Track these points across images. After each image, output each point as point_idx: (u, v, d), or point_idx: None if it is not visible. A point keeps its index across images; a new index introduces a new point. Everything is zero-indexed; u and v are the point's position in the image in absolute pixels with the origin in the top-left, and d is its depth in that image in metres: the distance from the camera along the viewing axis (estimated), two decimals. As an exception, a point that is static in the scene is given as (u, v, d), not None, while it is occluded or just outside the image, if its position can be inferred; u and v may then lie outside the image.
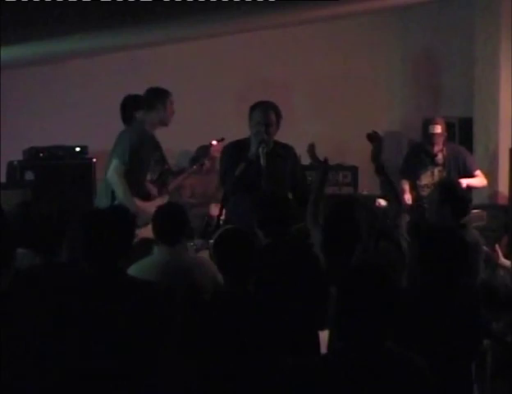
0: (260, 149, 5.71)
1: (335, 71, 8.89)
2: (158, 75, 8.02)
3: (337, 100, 8.88)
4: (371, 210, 4.77)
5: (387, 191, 4.91)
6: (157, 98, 6.51)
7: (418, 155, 7.21)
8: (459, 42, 8.38)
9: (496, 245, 5.41)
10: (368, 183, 7.42)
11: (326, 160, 5.10)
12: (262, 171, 5.68)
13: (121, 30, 5.78)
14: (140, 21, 5.29)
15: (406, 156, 7.43)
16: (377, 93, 9.15)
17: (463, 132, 7.82)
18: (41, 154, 7.10)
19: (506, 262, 5.37)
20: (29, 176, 6.99)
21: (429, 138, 7.04)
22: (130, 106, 6.81)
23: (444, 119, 7.23)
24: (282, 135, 6.12)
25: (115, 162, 6.30)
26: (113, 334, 3.40)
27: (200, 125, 7.01)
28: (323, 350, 4.25)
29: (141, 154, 6.39)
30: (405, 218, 4.84)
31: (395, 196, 4.85)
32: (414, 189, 7.15)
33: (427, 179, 7.12)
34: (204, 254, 5.13)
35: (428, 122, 7.13)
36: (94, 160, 7.20)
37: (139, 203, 6.26)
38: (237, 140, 6.03)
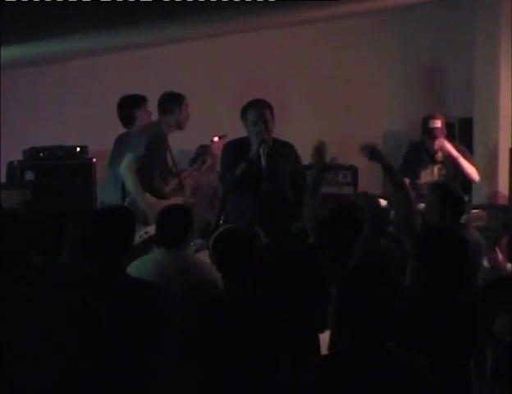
0: (261, 149, 5.71)
1: (335, 71, 8.89)
2: (158, 75, 8.02)
3: (337, 100, 8.88)
4: (377, 206, 4.79)
5: (395, 192, 4.88)
6: (173, 101, 6.55)
7: (418, 153, 7.21)
8: (459, 42, 8.38)
9: (496, 248, 5.41)
10: (367, 183, 7.43)
11: (332, 160, 5.11)
12: (262, 171, 5.68)
13: (121, 30, 5.79)
14: (140, 21, 5.29)
15: (406, 155, 7.42)
16: (377, 93, 9.15)
17: (463, 132, 7.82)
18: (41, 154, 7.10)
19: (506, 263, 5.38)
20: (29, 176, 6.99)
21: (429, 132, 7.04)
22: (128, 106, 6.81)
23: (444, 118, 7.24)
24: (282, 136, 6.12)
25: (129, 157, 6.30)
26: (114, 334, 3.40)
27: (200, 125, 6.99)
28: (323, 350, 4.25)
29: (156, 154, 6.41)
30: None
31: (404, 197, 4.81)
32: (414, 188, 7.15)
33: (426, 177, 7.12)
34: (204, 254, 5.13)
35: (428, 118, 7.13)
36: (94, 160, 7.20)
37: (151, 199, 6.26)
38: (238, 139, 6.02)
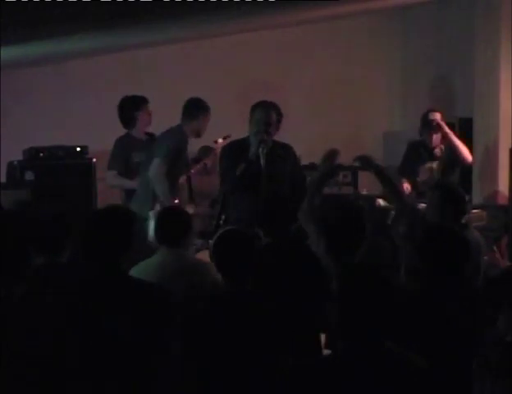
0: (260, 150, 5.71)
1: (335, 72, 8.89)
2: (158, 76, 8.03)
3: (337, 100, 8.88)
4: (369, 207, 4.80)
5: (389, 192, 4.91)
6: (198, 109, 6.61)
7: (417, 150, 7.25)
8: (459, 42, 8.38)
9: (494, 247, 5.41)
10: (367, 183, 7.41)
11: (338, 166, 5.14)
12: (262, 172, 5.68)
13: (121, 30, 5.79)
14: (140, 21, 5.30)
15: (405, 154, 7.44)
16: (377, 94, 9.15)
17: (463, 132, 7.81)
18: (41, 154, 7.10)
19: (506, 263, 5.38)
20: (29, 176, 6.99)
21: (429, 125, 7.09)
22: (129, 107, 6.81)
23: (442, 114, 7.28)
24: (282, 135, 6.12)
25: (157, 162, 6.32)
26: (114, 334, 3.40)
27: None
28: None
29: (179, 158, 6.48)
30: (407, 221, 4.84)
31: (397, 196, 4.85)
32: (413, 188, 7.16)
33: (425, 174, 7.15)
34: (204, 254, 5.13)
35: (427, 111, 7.23)
36: (94, 160, 7.20)
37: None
38: (237, 140, 6.03)
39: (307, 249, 4.64)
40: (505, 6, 7.54)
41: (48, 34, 5.43)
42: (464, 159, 7.17)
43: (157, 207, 6.22)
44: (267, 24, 7.13)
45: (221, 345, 3.66)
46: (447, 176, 7.12)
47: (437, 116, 7.14)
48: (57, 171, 7.09)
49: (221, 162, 6.04)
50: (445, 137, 7.16)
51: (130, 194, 6.73)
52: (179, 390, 3.65)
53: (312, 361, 3.15)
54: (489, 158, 7.82)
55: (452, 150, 7.15)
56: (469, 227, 5.21)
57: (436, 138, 7.13)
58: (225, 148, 6.12)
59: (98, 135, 7.29)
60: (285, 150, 5.95)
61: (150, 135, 6.95)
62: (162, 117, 7.14)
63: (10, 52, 5.65)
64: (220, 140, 6.93)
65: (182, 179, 6.92)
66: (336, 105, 8.85)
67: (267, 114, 5.76)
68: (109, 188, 7.00)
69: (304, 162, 7.85)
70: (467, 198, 6.35)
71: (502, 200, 7.58)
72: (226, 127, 6.96)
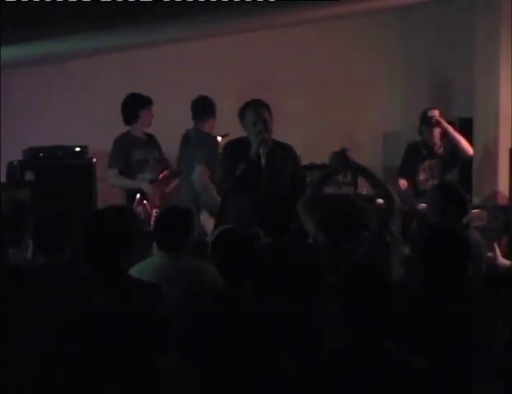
0: (261, 149, 5.70)
1: (335, 71, 8.90)
2: (158, 75, 8.03)
3: (337, 100, 8.88)
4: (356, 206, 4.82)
5: (377, 191, 4.94)
6: (213, 107, 6.84)
7: (417, 150, 7.26)
8: (459, 42, 8.38)
9: (495, 244, 5.41)
10: (367, 183, 7.42)
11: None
12: (262, 171, 5.67)
13: (121, 30, 5.79)
14: (140, 21, 5.30)
15: (404, 155, 7.46)
16: (376, 93, 9.15)
17: (463, 132, 7.82)
18: (41, 154, 7.10)
19: (505, 262, 5.37)
20: (29, 176, 6.99)
21: (428, 122, 7.10)
22: (133, 104, 6.81)
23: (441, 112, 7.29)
24: (282, 135, 6.12)
25: (199, 169, 6.54)
26: (113, 334, 3.40)
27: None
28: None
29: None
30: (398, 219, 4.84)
31: (386, 194, 4.88)
32: (413, 187, 7.17)
33: (424, 173, 7.16)
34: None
35: (426, 109, 7.24)
36: (94, 160, 7.20)
37: None
38: (237, 139, 6.02)
39: (307, 249, 4.64)
40: (505, 6, 7.54)
41: (48, 34, 5.44)
42: (465, 152, 7.19)
43: (204, 213, 6.37)
44: (267, 24, 7.14)
45: (220, 346, 3.66)
46: (447, 174, 7.13)
47: (436, 112, 7.16)
48: (57, 171, 7.09)
49: (222, 161, 6.04)
50: (444, 133, 7.17)
51: (130, 193, 6.72)
52: (179, 390, 3.66)
53: (312, 361, 3.15)
54: (489, 158, 7.82)
55: (452, 145, 7.16)
56: (470, 227, 5.22)
57: (436, 134, 7.15)
58: (226, 147, 6.12)
59: (98, 135, 7.29)
60: (286, 150, 5.94)
61: (149, 136, 6.95)
62: (162, 117, 7.15)
63: (10, 52, 5.65)
64: (219, 139, 6.95)
65: None
66: (336, 105, 8.85)
67: (259, 113, 5.75)
68: (109, 188, 6.99)
69: (304, 162, 7.85)
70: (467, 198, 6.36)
71: (502, 200, 7.58)
72: (226, 127, 6.95)
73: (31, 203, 6.24)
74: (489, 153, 7.82)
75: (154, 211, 6.52)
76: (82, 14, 4.61)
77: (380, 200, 6.03)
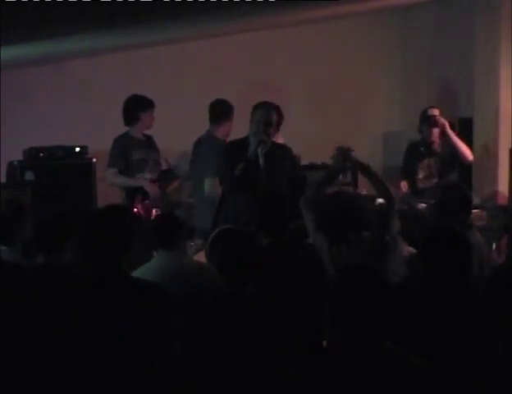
0: (259, 150, 5.70)
1: (335, 71, 8.90)
2: (158, 76, 8.03)
3: (337, 100, 8.88)
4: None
5: (378, 190, 4.95)
6: (230, 110, 6.80)
7: (417, 148, 7.27)
8: (459, 42, 8.38)
9: (493, 245, 5.42)
10: (367, 183, 7.42)
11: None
12: (261, 171, 5.68)
13: (121, 30, 5.79)
14: (140, 21, 5.30)
15: (405, 155, 7.47)
16: (376, 94, 9.15)
17: (463, 132, 7.81)
18: (41, 154, 7.10)
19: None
20: (29, 176, 6.99)
21: (428, 120, 7.10)
22: (135, 106, 6.81)
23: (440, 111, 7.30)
24: (283, 135, 6.13)
25: (210, 181, 6.44)
26: (114, 334, 3.40)
27: (200, 125, 7.00)
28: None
29: None
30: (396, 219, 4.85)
31: (386, 194, 4.89)
32: (412, 186, 7.18)
33: (424, 171, 7.17)
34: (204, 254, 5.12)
35: (426, 108, 7.24)
36: (94, 160, 7.20)
37: None
38: (237, 139, 6.03)
39: (306, 249, 4.64)
40: (505, 6, 7.53)
41: (48, 34, 5.44)
42: (465, 158, 7.20)
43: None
44: (267, 24, 7.14)
45: (221, 346, 3.66)
46: (446, 172, 7.13)
47: (436, 111, 7.16)
48: (57, 171, 7.09)
49: (221, 161, 6.05)
50: (446, 136, 7.18)
51: (130, 192, 6.73)
52: (179, 390, 3.65)
53: (312, 361, 3.15)
54: (489, 158, 7.82)
55: (452, 149, 7.18)
56: (473, 228, 5.22)
57: (435, 133, 7.15)
58: (225, 148, 6.13)
59: (98, 135, 7.29)
60: (284, 151, 5.95)
61: (147, 137, 6.94)
62: (162, 117, 7.15)
63: (10, 52, 5.65)
64: None
65: None
66: (336, 105, 8.85)
67: (268, 114, 5.76)
68: (109, 187, 7.00)
69: (304, 162, 7.86)
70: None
71: (502, 200, 7.58)
72: (225, 127, 6.96)
73: (31, 203, 6.24)
74: (489, 153, 7.82)
75: (154, 210, 6.52)
76: (82, 14, 4.61)
77: (380, 200, 6.04)
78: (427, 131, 7.16)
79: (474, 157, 7.52)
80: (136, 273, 4.15)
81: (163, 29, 6.02)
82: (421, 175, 7.18)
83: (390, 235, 4.69)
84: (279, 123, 5.82)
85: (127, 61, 7.93)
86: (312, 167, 7.98)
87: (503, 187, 7.60)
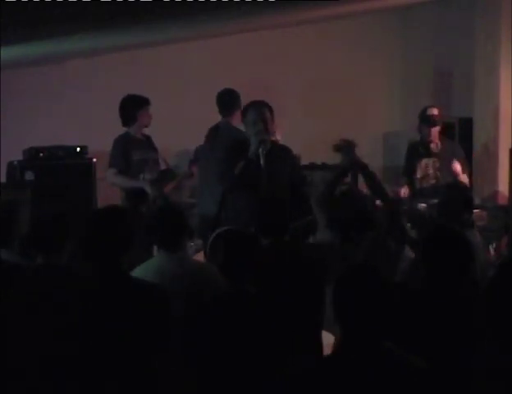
0: (260, 150, 5.71)
1: (335, 71, 8.90)
2: (158, 75, 8.04)
3: (337, 100, 8.89)
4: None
5: (373, 191, 4.97)
6: (239, 98, 6.73)
7: (417, 149, 7.26)
8: (459, 42, 8.38)
9: (489, 246, 5.43)
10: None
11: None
12: (262, 172, 5.68)
13: (121, 30, 5.79)
14: (140, 21, 5.30)
15: (406, 155, 7.47)
16: (377, 94, 9.15)
17: (463, 132, 7.82)
18: (41, 154, 7.10)
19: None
20: (29, 176, 6.99)
21: (427, 120, 7.09)
22: (131, 106, 6.80)
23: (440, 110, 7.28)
24: (282, 135, 6.13)
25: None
26: (114, 335, 3.40)
27: (200, 125, 7.01)
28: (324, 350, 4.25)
29: None
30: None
31: (383, 196, 4.91)
32: (411, 185, 7.18)
33: (422, 171, 7.17)
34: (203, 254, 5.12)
35: (425, 108, 7.22)
36: (94, 160, 7.20)
37: None
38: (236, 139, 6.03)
39: (306, 249, 4.65)
40: (505, 6, 7.55)
41: (48, 34, 5.43)
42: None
43: None
44: (267, 24, 7.13)
45: (221, 346, 3.66)
46: (444, 172, 7.12)
47: (435, 111, 7.14)
48: (57, 171, 7.09)
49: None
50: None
51: (130, 193, 6.72)
52: (179, 390, 3.65)
53: (312, 361, 3.15)
54: (489, 158, 7.83)
55: (452, 149, 7.16)
56: (474, 227, 5.24)
57: (434, 132, 7.12)
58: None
59: (98, 135, 7.29)
60: (284, 152, 5.95)
61: (146, 137, 6.94)
62: (162, 117, 7.14)
63: (10, 52, 5.65)
64: None
65: None
66: (336, 105, 8.85)
67: (260, 112, 5.76)
68: (109, 187, 6.99)
69: (304, 162, 7.86)
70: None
71: (502, 200, 7.59)
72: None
73: (31, 203, 6.24)
74: (489, 153, 7.83)
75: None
76: (82, 14, 4.60)
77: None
78: (426, 131, 7.14)
79: (474, 157, 7.53)
80: (137, 271, 4.15)
81: (163, 29, 6.02)
82: (419, 175, 7.18)
83: (395, 237, 4.72)
84: (272, 117, 5.83)
85: (127, 61, 7.93)
86: (312, 167, 7.98)
87: (503, 187, 7.61)
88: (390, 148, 9.04)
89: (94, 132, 7.50)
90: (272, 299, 3.89)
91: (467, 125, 7.94)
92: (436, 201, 5.83)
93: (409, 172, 7.26)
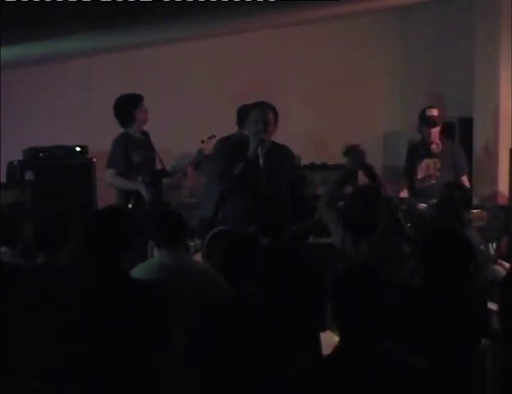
0: (259, 150, 5.71)
1: (335, 72, 8.90)
2: (158, 75, 8.03)
3: (337, 100, 8.88)
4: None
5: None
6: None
7: (417, 149, 7.25)
8: (459, 42, 8.38)
9: (493, 245, 5.44)
10: (368, 183, 7.42)
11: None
12: (261, 172, 5.68)
13: (121, 30, 5.79)
14: (140, 21, 5.30)
15: (406, 156, 7.46)
16: (377, 93, 9.15)
17: (463, 132, 7.82)
18: (41, 154, 7.10)
19: (504, 264, 5.38)
20: (29, 176, 6.99)
21: (427, 120, 7.07)
22: (127, 105, 6.73)
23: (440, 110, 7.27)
24: (282, 135, 6.13)
25: None
26: (114, 334, 3.40)
27: (199, 125, 7.01)
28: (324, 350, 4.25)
29: None
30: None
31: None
32: (411, 186, 7.18)
33: (422, 171, 7.16)
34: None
35: (425, 108, 7.20)
36: (94, 160, 7.20)
37: None
38: (237, 137, 6.03)
39: (306, 249, 4.65)
40: (505, 6, 7.54)
41: (48, 34, 5.43)
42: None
43: None
44: (267, 24, 7.13)
45: (221, 346, 3.66)
46: (445, 173, 7.11)
47: (435, 111, 7.13)
48: (57, 171, 7.09)
49: (219, 157, 6.02)
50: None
51: (128, 194, 6.67)
52: (179, 390, 3.65)
53: (312, 361, 3.15)
54: (489, 158, 7.82)
55: (453, 150, 7.16)
56: (471, 226, 5.24)
57: (434, 133, 7.11)
58: (222, 144, 6.11)
59: (98, 135, 7.28)
60: (284, 152, 5.95)
61: (145, 134, 6.91)
62: (162, 117, 7.15)
63: (10, 52, 5.65)
64: (206, 140, 6.87)
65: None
66: (336, 105, 8.85)
67: (264, 113, 5.76)
68: (109, 188, 6.98)
69: (304, 162, 7.86)
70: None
71: (502, 200, 7.58)
72: (225, 127, 6.96)
73: (31, 203, 6.24)
74: (489, 153, 7.82)
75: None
76: (82, 14, 4.60)
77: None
78: (426, 131, 7.13)
79: (474, 157, 7.52)
80: (137, 270, 4.15)
81: (163, 29, 6.02)
82: (419, 175, 7.17)
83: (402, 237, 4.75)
84: (276, 121, 5.82)
85: (127, 61, 7.93)
86: (312, 167, 7.98)
87: (503, 187, 7.61)
88: (391, 148, 9.03)
89: (94, 132, 7.50)
90: (272, 299, 3.89)
91: (467, 125, 7.93)
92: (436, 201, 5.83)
93: (409, 173, 7.25)
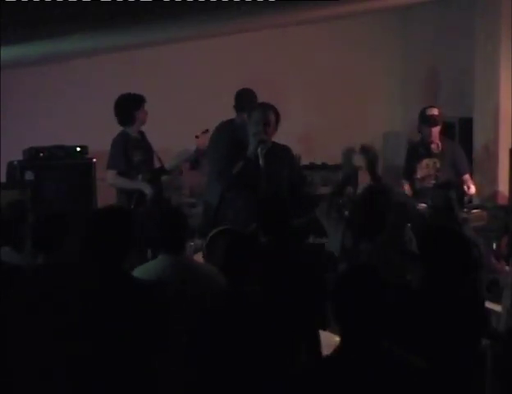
0: (259, 150, 5.72)
1: (335, 72, 8.90)
2: (158, 75, 8.03)
3: (337, 100, 8.89)
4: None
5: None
6: (256, 98, 6.53)
7: (417, 149, 7.26)
8: (459, 42, 8.38)
9: (493, 245, 5.44)
10: (367, 183, 7.42)
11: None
12: (260, 172, 5.68)
13: (121, 30, 5.78)
14: (140, 21, 5.29)
15: (406, 156, 7.47)
16: (377, 93, 9.15)
17: (463, 132, 7.82)
18: (41, 154, 7.10)
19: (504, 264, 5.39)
20: (29, 176, 6.99)
21: (427, 120, 7.07)
22: (128, 105, 6.72)
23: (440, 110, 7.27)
24: (281, 135, 6.13)
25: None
26: (115, 334, 3.40)
27: (199, 125, 7.00)
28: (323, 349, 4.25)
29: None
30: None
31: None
32: (411, 186, 7.18)
33: (422, 171, 7.16)
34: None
35: (425, 108, 7.20)
36: (94, 160, 7.20)
37: None
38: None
39: (306, 249, 4.65)
40: (505, 6, 7.55)
41: (48, 34, 5.43)
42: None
43: None
44: (267, 24, 7.13)
45: (221, 346, 3.66)
46: (445, 173, 7.12)
47: (435, 111, 7.12)
48: (57, 171, 7.09)
49: (217, 148, 6.03)
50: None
51: (129, 194, 6.67)
52: (179, 390, 3.66)
53: (312, 361, 3.15)
54: (489, 158, 7.83)
55: (453, 150, 7.16)
56: (468, 225, 5.24)
57: (434, 132, 7.10)
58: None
59: (98, 135, 7.28)
60: (284, 152, 5.96)
61: (141, 134, 6.89)
62: (162, 117, 7.14)
63: (10, 52, 5.65)
64: (200, 135, 6.83)
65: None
66: (336, 105, 8.85)
67: (265, 115, 5.77)
68: (109, 188, 6.99)
69: (304, 162, 7.86)
70: (466, 198, 6.38)
71: (502, 200, 7.59)
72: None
73: (31, 203, 6.24)
74: (489, 153, 7.83)
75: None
76: (82, 14, 4.60)
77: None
78: (426, 131, 7.13)
79: (474, 157, 7.52)
80: (138, 271, 4.14)
81: (163, 29, 6.02)
82: (419, 175, 7.17)
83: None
84: (277, 123, 5.83)
85: (127, 61, 7.93)
86: (312, 166, 7.99)
87: (503, 187, 7.61)
88: (390, 148, 9.03)
89: (94, 132, 7.49)
90: (272, 299, 3.89)
91: (467, 125, 7.94)
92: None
93: (409, 173, 7.26)
